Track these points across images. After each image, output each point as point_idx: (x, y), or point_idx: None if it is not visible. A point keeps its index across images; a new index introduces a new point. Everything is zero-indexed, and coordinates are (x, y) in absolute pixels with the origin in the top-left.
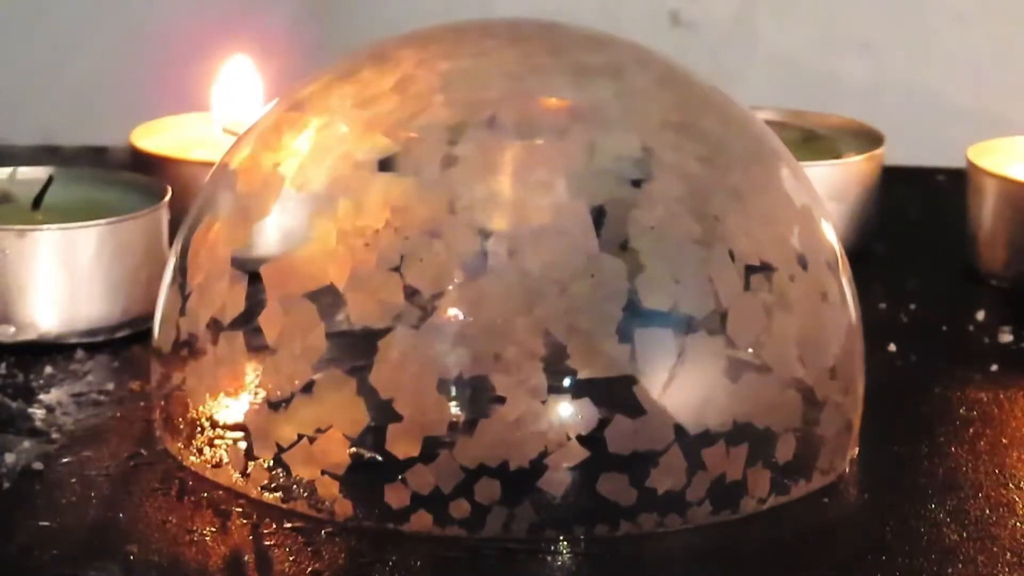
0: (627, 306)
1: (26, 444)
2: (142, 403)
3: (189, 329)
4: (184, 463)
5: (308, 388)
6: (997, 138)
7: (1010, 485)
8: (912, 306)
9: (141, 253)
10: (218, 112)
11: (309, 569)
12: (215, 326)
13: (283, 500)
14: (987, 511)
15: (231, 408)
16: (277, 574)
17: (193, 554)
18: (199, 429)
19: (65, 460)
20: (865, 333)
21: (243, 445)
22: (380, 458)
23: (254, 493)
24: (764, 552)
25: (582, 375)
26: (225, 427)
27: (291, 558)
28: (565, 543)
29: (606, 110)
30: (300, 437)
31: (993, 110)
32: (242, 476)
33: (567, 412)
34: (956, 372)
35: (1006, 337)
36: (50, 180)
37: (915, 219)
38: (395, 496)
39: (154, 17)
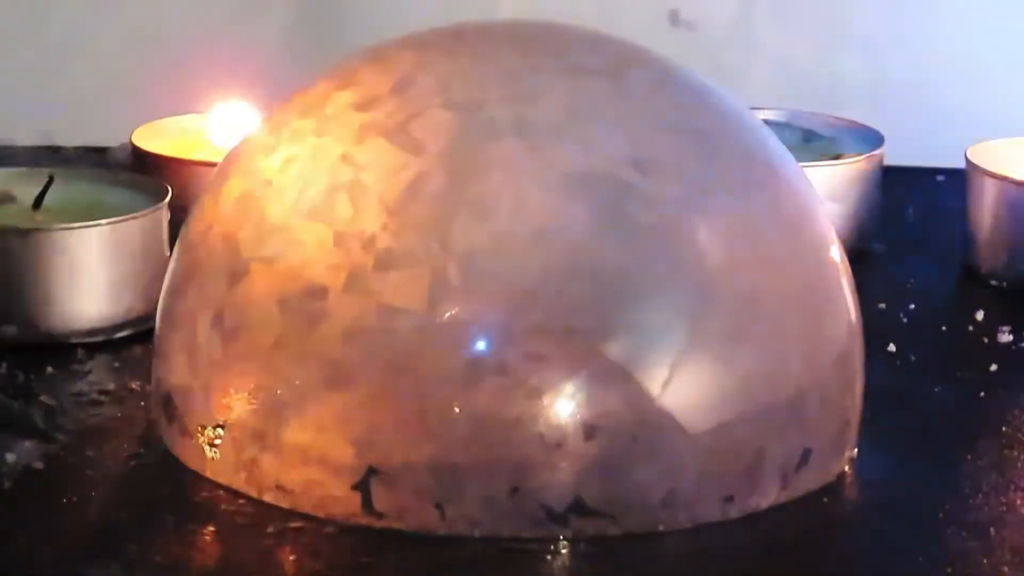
0: (626, 306)
1: (27, 444)
2: (142, 403)
3: (189, 329)
4: (184, 463)
5: (307, 388)
6: (997, 138)
7: (1010, 485)
8: (912, 306)
9: (141, 253)
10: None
11: (309, 569)
12: (215, 326)
13: (284, 500)
14: (987, 511)
15: (231, 408)
16: (277, 574)
17: (193, 554)
18: (199, 429)
19: (65, 460)
20: (865, 333)
21: (243, 445)
22: (379, 458)
23: (254, 493)
24: (764, 552)
25: (581, 375)
26: (226, 427)
27: (291, 558)
28: (565, 543)
29: (605, 110)
30: (300, 437)
31: (993, 110)
32: (243, 476)
33: (566, 412)
34: (956, 372)
35: (1006, 337)
36: (50, 180)
37: (915, 219)
38: (395, 496)
39: (154, 18)
